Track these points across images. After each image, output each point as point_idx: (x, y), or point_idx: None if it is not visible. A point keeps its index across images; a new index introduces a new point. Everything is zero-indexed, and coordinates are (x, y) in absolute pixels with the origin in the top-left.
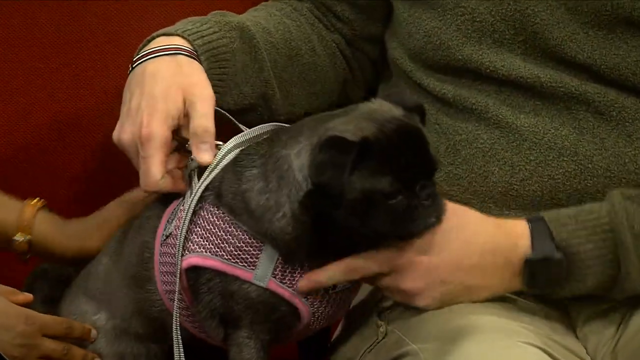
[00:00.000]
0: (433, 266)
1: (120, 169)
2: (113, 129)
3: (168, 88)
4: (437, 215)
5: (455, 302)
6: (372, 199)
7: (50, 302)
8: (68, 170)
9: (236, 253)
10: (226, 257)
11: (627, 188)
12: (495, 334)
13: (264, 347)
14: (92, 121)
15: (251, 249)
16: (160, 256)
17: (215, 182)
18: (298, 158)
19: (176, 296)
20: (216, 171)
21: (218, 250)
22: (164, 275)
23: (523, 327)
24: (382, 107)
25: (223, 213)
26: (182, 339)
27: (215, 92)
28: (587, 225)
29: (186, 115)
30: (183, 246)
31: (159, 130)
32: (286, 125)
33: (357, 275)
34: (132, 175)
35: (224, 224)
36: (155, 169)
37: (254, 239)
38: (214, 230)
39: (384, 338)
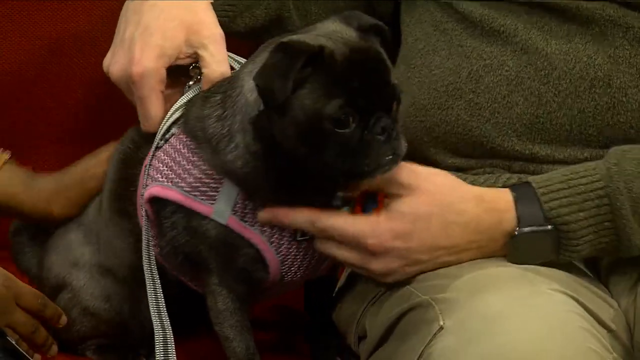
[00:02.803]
0: (409, 250)
1: (110, 99)
2: (95, 56)
3: (167, 22)
4: (395, 154)
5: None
6: (320, 124)
7: (35, 240)
8: (50, 102)
9: (196, 185)
10: (186, 189)
11: (628, 145)
12: (516, 282)
13: (239, 298)
14: (75, 49)
15: (211, 182)
16: (143, 188)
17: (187, 106)
18: (250, 76)
19: (144, 228)
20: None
21: (179, 180)
22: (142, 209)
23: (547, 272)
24: (340, 28)
25: (189, 140)
26: (168, 288)
27: (224, 17)
28: (579, 190)
29: (190, 56)
30: (151, 176)
31: (151, 66)
32: None
33: (320, 233)
34: (122, 107)
35: (187, 152)
36: (154, 111)
37: (215, 171)
38: (178, 159)
39: (388, 290)
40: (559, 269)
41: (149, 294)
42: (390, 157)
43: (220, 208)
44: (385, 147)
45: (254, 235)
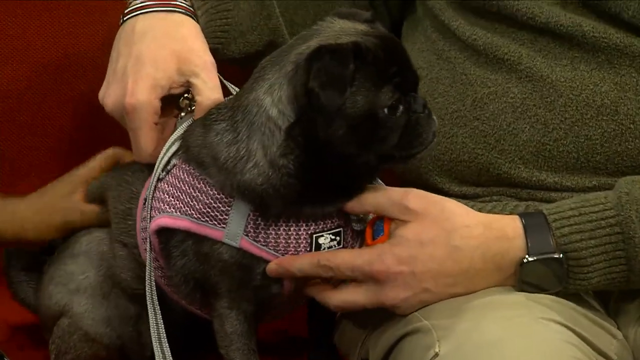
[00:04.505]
0: (415, 276)
1: (110, 126)
2: (97, 81)
3: (158, 51)
4: (433, 132)
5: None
6: (374, 116)
7: (30, 270)
8: (50, 128)
9: (205, 211)
10: (196, 216)
11: (638, 176)
12: (514, 310)
13: (248, 319)
14: (73, 74)
15: (220, 205)
16: (142, 221)
17: (184, 136)
18: (269, 94)
19: (148, 260)
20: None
21: (188, 209)
22: (145, 242)
23: (545, 301)
24: (346, 24)
25: (193, 169)
26: (171, 315)
27: (217, 43)
28: (590, 218)
29: (183, 85)
30: (155, 207)
31: (145, 99)
32: None
33: (328, 273)
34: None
35: (192, 180)
36: (145, 143)
37: (222, 194)
38: (184, 188)
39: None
40: (563, 298)
41: (150, 321)
42: (431, 136)
43: (232, 231)
44: (430, 122)
45: (267, 255)
